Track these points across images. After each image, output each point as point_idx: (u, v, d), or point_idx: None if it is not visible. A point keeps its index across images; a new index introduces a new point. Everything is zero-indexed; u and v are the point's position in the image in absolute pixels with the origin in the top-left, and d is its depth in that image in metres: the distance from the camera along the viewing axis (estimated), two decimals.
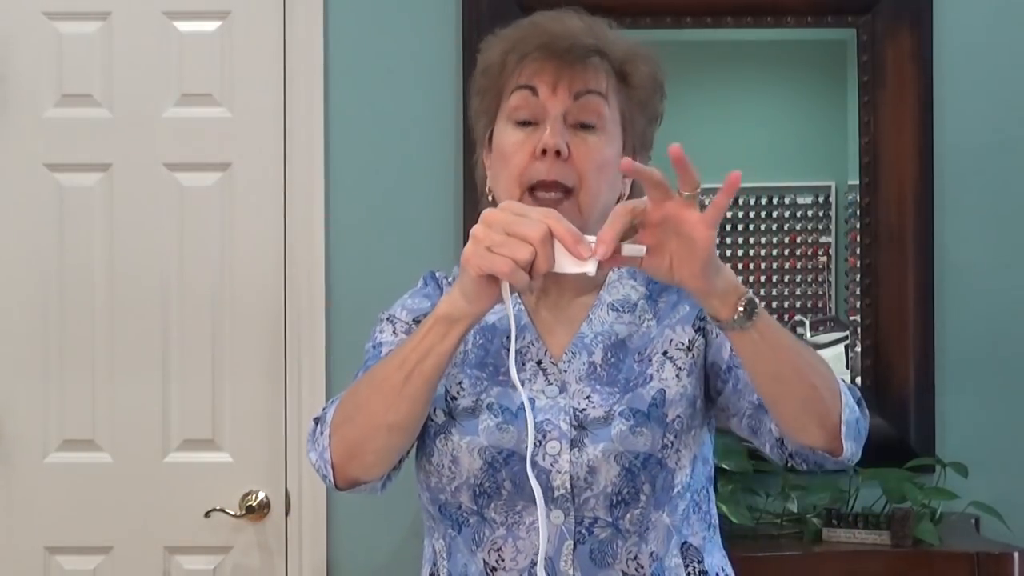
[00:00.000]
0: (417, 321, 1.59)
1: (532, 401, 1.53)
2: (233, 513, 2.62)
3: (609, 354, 1.57)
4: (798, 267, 2.70)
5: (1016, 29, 2.67)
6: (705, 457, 1.60)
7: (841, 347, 2.68)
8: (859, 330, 2.65)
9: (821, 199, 2.71)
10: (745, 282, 2.64)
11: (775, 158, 2.73)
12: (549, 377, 1.56)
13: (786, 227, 2.71)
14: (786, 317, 2.68)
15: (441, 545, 1.58)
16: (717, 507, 1.66)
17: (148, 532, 2.65)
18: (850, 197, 2.68)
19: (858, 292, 2.66)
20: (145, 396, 2.65)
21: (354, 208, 2.66)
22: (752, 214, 2.70)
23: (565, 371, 1.56)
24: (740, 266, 2.69)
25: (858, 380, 2.63)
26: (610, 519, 1.51)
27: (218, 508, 2.62)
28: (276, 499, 2.65)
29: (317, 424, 1.53)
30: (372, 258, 2.65)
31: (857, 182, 2.66)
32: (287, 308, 2.65)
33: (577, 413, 1.53)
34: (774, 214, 2.71)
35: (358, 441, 1.47)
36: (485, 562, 1.53)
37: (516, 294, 1.42)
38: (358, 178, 2.66)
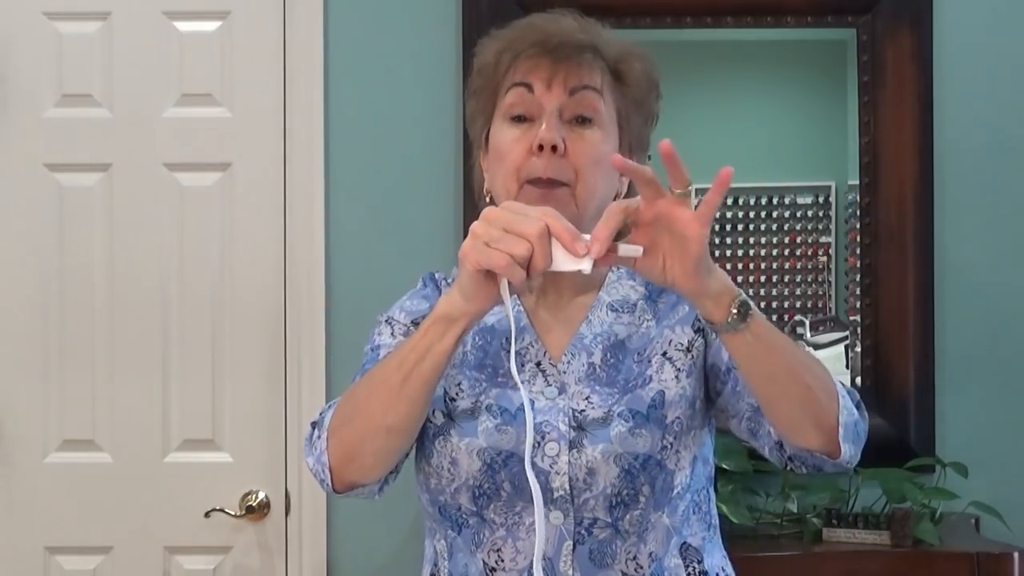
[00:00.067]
0: (415, 323, 1.60)
1: (532, 402, 1.53)
2: (233, 513, 2.62)
3: (608, 355, 1.57)
4: (798, 267, 2.70)
5: (1016, 29, 2.67)
6: (705, 458, 1.60)
7: (841, 347, 2.68)
8: (859, 330, 2.65)
9: (821, 199, 2.71)
10: (745, 282, 2.66)
11: (775, 158, 2.73)
12: (548, 378, 1.56)
13: (786, 227, 2.71)
14: (786, 317, 2.68)
15: (442, 546, 1.58)
16: (717, 507, 1.66)
17: (148, 532, 2.65)
18: (850, 197, 2.68)
19: (858, 292, 2.66)
20: (145, 396, 2.65)
21: (354, 208, 2.66)
22: (752, 214, 2.70)
23: (564, 372, 1.56)
24: (740, 266, 2.70)
25: (858, 380, 2.63)
26: (609, 520, 1.51)
27: (218, 508, 2.62)
28: (276, 499, 2.65)
29: (314, 428, 1.53)
30: (372, 258, 2.65)
31: (857, 182, 2.66)
32: (287, 308, 2.65)
33: (576, 414, 1.53)
34: (774, 214, 2.71)
35: (356, 443, 1.47)
36: (485, 563, 1.53)
37: (515, 295, 1.42)
38: (358, 178, 2.66)
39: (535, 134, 1.54)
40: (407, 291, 1.70)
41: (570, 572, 1.50)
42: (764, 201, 2.70)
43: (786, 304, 2.69)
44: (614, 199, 1.58)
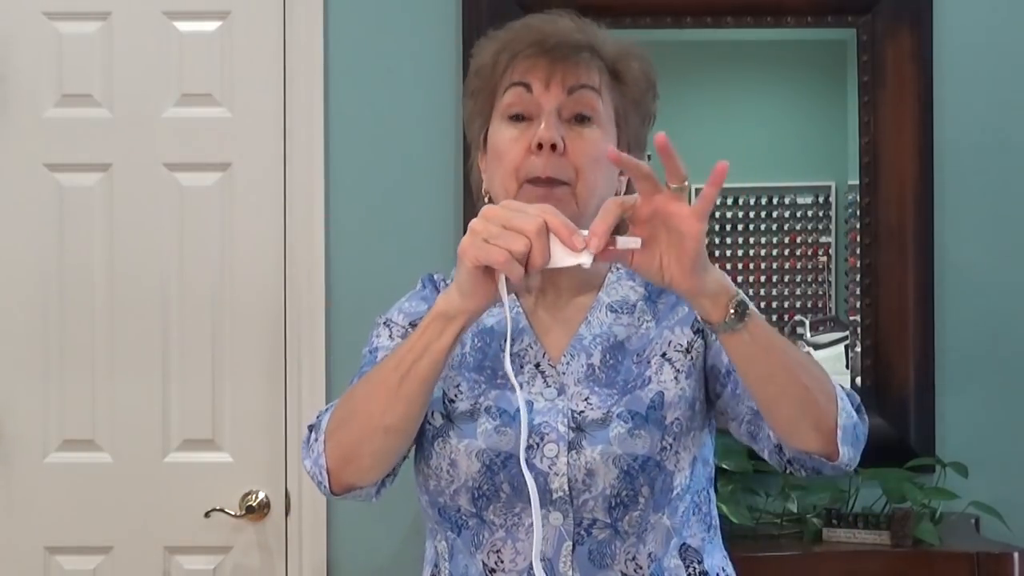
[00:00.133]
0: (413, 325, 1.59)
1: (531, 404, 1.53)
2: (233, 513, 2.62)
3: (608, 356, 1.57)
4: (798, 267, 2.70)
5: (1016, 29, 2.67)
6: (705, 459, 1.60)
7: (841, 347, 2.68)
8: (859, 330, 2.65)
9: (821, 199, 2.71)
10: (745, 282, 2.66)
11: (775, 158, 2.73)
12: (547, 379, 1.56)
13: (786, 227, 2.71)
14: (786, 317, 2.68)
15: (443, 547, 1.58)
16: (717, 507, 1.66)
17: (148, 532, 2.65)
18: (850, 197, 2.68)
19: (858, 292, 2.66)
20: (145, 396, 2.65)
21: (354, 208, 2.66)
22: (752, 214, 2.70)
23: (563, 373, 1.56)
24: (740, 266, 2.70)
25: (858, 380, 2.63)
26: (609, 520, 1.51)
27: (218, 508, 2.62)
28: (276, 499, 2.65)
29: (311, 431, 1.53)
30: (372, 258, 2.65)
31: (857, 182, 2.66)
32: (287, 308, 2.65)
33: (575, 415, 1.53)
34: (774, 214, 2.71)
35: (354, 444, 1.47)
36: (484, 564, 1.53)
37: (513, 295, 1.41)
38: (358, 178, 2.66)
39: (534, 133, 1.54)
40: (407, 291, 1.70)
41: (569, 573, 1.50)
42: (764, 201, 2.70)
43: (786, 304, 2.69)
44: None
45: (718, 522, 1.64)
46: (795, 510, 2.47)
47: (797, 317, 2.69)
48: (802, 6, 2.65)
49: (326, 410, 1.54)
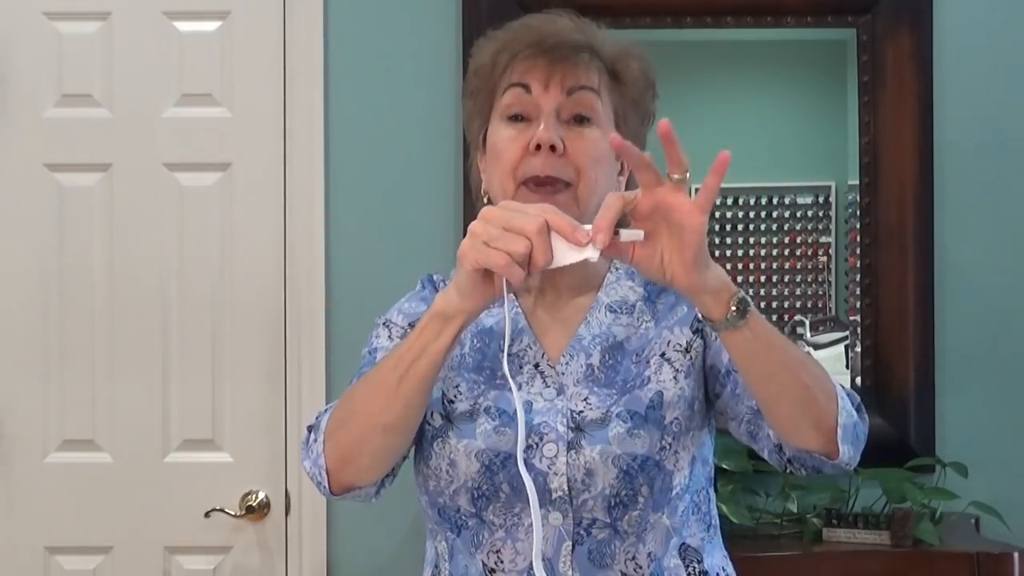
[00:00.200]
0: (413, 325, 1.59)
1: (530, 404, 1.53)
2: (233, 513, 2.62)
3: (607, 356, 1.57)
4: (798, 267, 2.70)
5: (1016, 29, 2.67)
6: (705, 458, 1.60)
7: (841, 347, 2.68)
8: (859, 330, 2.65)
9: (821, 199, 2.71)
10: (745, 282, 2.66)
11: (775, 158, 2.73)
12: (547, 379, 1.56)
13: (786, 227, 2.71)
14: (786, 317, 2.68)
15: (443, 547, 1.58)
16: (717, 507, 1.66)
17: (148, 532, 2.65)
18: (850, 197, 2.68)
19: (858, 292, 2.66)
20: (145, 396, 2.65)
21: (354, 208, 2.66)
22: (752, 214, 2.70)
23: (563, 373, 1.56)
24: (740, 266, 2.69)
25: (858, 380, 2.63)
26: (608, 520, 1.51)
27: (218, 508, 2.62)
28: (276, 499, 2.65)
29: (310, 432, 1.53)
30: (372, 258, 2.65)
31: (857, 182, 2.66)
32: (287, 308, 2.65)
33: (574, 415, 1.53)
34: (774, 214, 2.71)
35: (353, 444, 1.47)
36: (484, 564, 1.53)
37: (512, 295, 1.41)
38: (358, 178, 2.66)
39: (532, 134, 1.54)
40: (407, 291, 1.70)
41: (569, 572, 1.50)
42: (764, 201, 2.70)
43: (786, 304, 2.69)
44: None
45: (718, 522, 1.64)
46: (795, 510, 2.47)
47: (797, 317, 2.69)
48: (802, 6, 2.65)
49: (325, 411, 1.54)
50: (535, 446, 1.50)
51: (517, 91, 1.57)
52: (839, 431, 1.43)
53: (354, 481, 1.50)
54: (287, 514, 2.65)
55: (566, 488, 1.50)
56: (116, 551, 2.66)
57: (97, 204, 2.67)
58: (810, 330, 2.69)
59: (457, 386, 1.57)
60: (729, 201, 2.69)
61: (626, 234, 1.32)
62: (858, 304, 2.66)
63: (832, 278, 2.70)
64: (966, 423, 2.63)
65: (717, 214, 2.68)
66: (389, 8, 2.67)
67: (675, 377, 1.55)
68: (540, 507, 1.48)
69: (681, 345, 1.57)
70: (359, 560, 2.64)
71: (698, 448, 1.57)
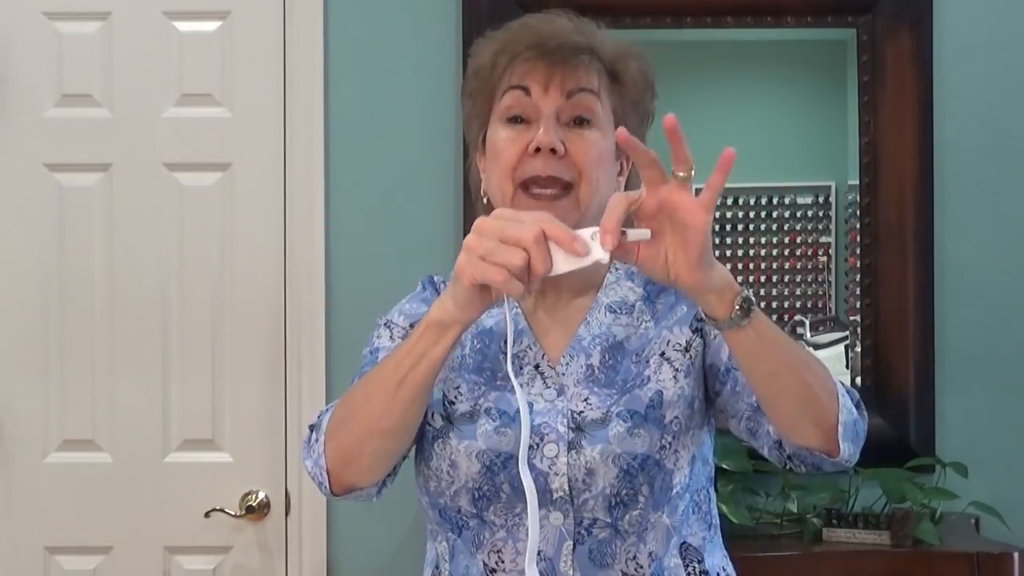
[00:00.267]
0: (413, 327, 1.59)
1: (531, 405, 1.53)
2: (233, 513, 2.62)
3: (607, 356, 1.57)
4: (798, 267, 2.70)
5: (1016, 29, 2.67)
6: (705, 458, 1.60)
7: (841, 347, 2.68)
8: (859, 330, 2.65)
9: (821, 199, 2.71)
10: (745, 282, 2.66)
11: (775, 158, 2.73)
12: (547, 380, 1.56)
13: (786, 227, 2.71)
14: (786, 317, 2.68)
15: (443, 548, 1.58)
16: (717, 507, 1.66)
17: (148, 532, 2.65)
18: (850, 197, 2.68)
19: (858, 292, 2.66)
20: (145, 396, 2.65)
21: (354, 208, 2.66)
22: (752, 214, 2.70)
23: (563, 374, 1.56)
24: (740, 266, 2.69)
25: (858, 380, 2.63)
26: (609, 520, 1.51)
27: (218, 508, 2.62)
28: (276, 499, 2.65)
29: (312, 432, 1.53)
30: (372, 258, 2.65)
31: (857, 182, 2.66)
32: (287, 308, 2.65)
33: (575, 415, 1.53)
34: (774, 214, 2.71)
35: (353, 446, 1.47)
36: (485, 564, 1.53)
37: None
38: (358, 178, 2.66)
39: (531, 136, 1.54)
40: (407, 291, 1.70)
41: (570, 572, 1.51)
42: (764, 201, 2.70)
43: (786, 304, 2.69)
44: None
45: (718, 521, 1.64)
46: (795, 510, 2.47)
47: (797, 317, 2.69)
48: (802, 6, 2.65)
49: (327, 410, 1.54)
50: (536, 446, 1.50)
51: (517, 93, 1.57)
52: (840, 429, 1.43)
53: (355, 482, 1.50)
54: (287, 514, 2.65)
55: (567, 488, 1.50)
56: (116, 551, 2.66)
57: (97, 204, 2.67)
58: (810, 330, 2.69)
59: (458, 387, 1.57)
60: (729, 201, 2.69)
61: (633, 234, 1.31)
62: (858, 304, 2.66)
63: (832, 278, 2.70)
64: (966, 423, 2.63)
65: (718, 214, 2.68)
66: (389, 8, 2.67)
67: (675, 376, 1.55)
68: (541, 507, 1.48)
69: (681, 344, 1.57)
70: (359, 560, 2.64)
71: (698, 447, 1.57)
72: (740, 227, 2.71)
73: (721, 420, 1.61)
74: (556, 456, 1.50)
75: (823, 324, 2.70)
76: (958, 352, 2.64)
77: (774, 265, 2.70)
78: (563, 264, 1.32)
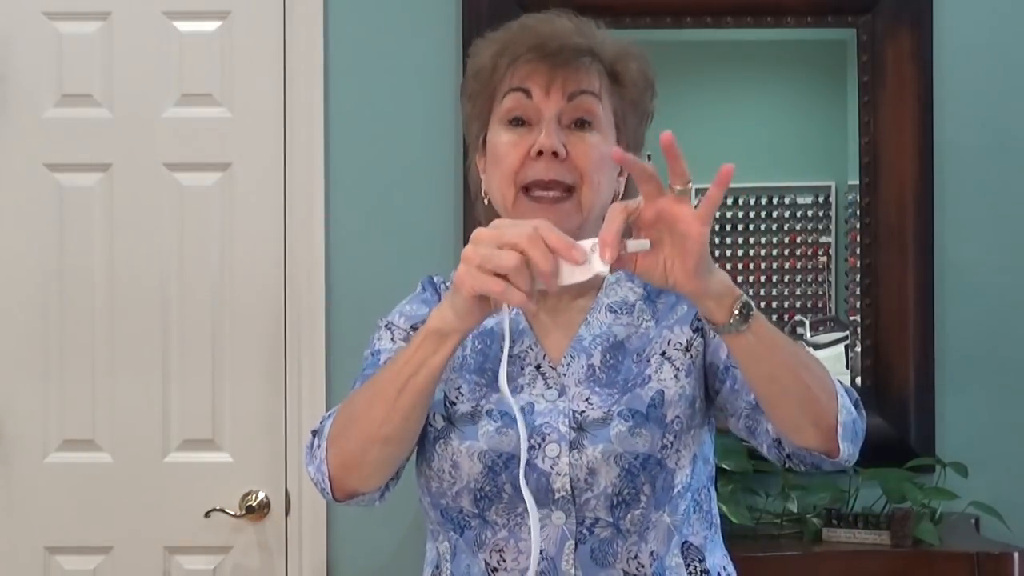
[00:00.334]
0: (415, 328, 1.59)
1: (532, 405, 1.53)
2: (233, 513, 2.62)
3: (608, 356, 1.57)
4: (798, 267, 2.70)
5: (1016, 29, 2.67)
6: (706, 457, 1.60)
7: (841, 347, 2.68)
8: (859, 330, 2.65)
9: (821, 199, 2.71)
10: (745, 282, 2.66)
11: (775, 158, 2.73)
12: (548, 381, 1.56)
13: (786, 227, 2.71)
14: (786, 317, 2.68)
15: (445, 548, 1.58)
16: (717, 507, 1.66)
17: (148, 532, 2.65)
18: (850, 197, 2.68)
19: (858, 292, 2.66)
20: (145, 396, 2.65)
21: (354, 208, 2.66)
22: (752, 214, 2.70)
23: (564, 375, 1.56)
24: (740, 266, 2.70)
25: (858, 380, 2.63)
26: (611, 519, 1.51)
27: (218, 508, 2.62)
28: (276, 499, 2.65)
29: (314, 437, 1.53)
30: (372, 258, 2.65)
31: (857, 182, 2.66)
32: (287, 308, 2.65)
33: (576, 415, 1.53)
34: (774, 214, 2.71)
35: (354, 453, 1.47)
36: (487, 563, 1.53)
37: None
38: (358, 178, 2.66)
39: (533, 139, 1.54)
40: (407, 291, 1.70)
41: (572, 571, 1.51)
42: (764, 201, 2.70)
43: (786, 304, 2.69)
44: (612, 202, 1.58)
45: (719, 521, 1.64)
46: (795, 510, 2.47)
47: (797, 317, 2.69)
48: (802, 6, 2.66)
49: (329, 415, 1.54)
50: (538, 447, 1.50)
51: (517, 95, 1.56)
52: (839, 429, 1.43)
53: (357, 487, 1.51)
54: (287, 514, 2.65)
55: (569, 488, 1.50)
56: (116, 551, 2.66)
57: (97, 204, 2.67)
58: (810, 330, 2.69)
59: (459, 388, 1.57)
60: (729, 201, 2.69)
61: (632, 245, 1.31)
62: (858, 304, 2.66)
63: (832, 278, 2.70)
64: (966, 423, 2.63)
65: (717, 214, 2.67)
66: (389, 8, 2.67)
67: (676, 376, 1.55)
68: (543, 507, 1.48)
69: (681, 344, 1.58)
70: (359, 560, 2.64)
71: (699, 446, 1.58)
72: (740, 227, 2.71)
73: (720, 419, 1.61)
74: (558, 456, 1.50)
75: (823, 324, 2.70)
76: (958, 352, 2.64)
77: (774, 265, 2.70)
78: (566, 277, 1.32)
